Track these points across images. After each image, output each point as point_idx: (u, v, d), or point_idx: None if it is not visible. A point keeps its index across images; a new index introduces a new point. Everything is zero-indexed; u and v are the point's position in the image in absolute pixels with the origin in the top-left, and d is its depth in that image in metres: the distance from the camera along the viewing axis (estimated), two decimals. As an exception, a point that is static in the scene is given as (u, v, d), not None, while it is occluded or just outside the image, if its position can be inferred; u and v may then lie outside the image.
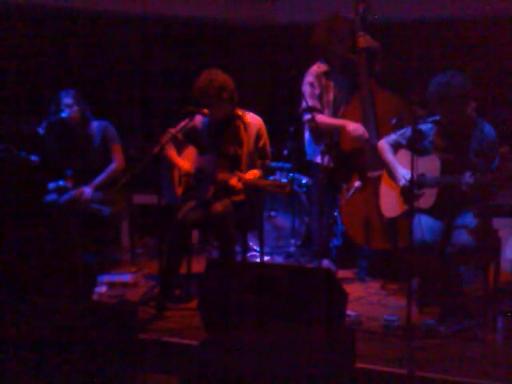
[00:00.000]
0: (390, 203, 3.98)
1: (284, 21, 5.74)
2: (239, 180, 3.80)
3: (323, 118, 4.46)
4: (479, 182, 3.42)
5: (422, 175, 3.67)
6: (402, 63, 5.11)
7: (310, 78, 4.51)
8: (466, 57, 5.12)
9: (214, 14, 5.81)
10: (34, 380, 2.76)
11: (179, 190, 4.13)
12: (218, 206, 3.87)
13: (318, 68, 4.53)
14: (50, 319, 2.91)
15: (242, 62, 5.59)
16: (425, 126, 3.73)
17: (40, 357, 2.79)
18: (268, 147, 4.14)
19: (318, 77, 4.50)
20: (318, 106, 4.47)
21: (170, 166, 4.13)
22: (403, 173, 3.76)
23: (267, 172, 4.16)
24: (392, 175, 3.88)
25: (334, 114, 4.52)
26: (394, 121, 3.80)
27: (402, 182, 3.74)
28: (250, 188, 3.86)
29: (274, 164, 5.18)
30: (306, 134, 4.64)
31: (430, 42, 5.38)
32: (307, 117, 4.45)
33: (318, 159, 4.33)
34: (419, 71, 5.01)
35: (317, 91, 4.49)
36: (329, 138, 4.46)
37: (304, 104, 4.42)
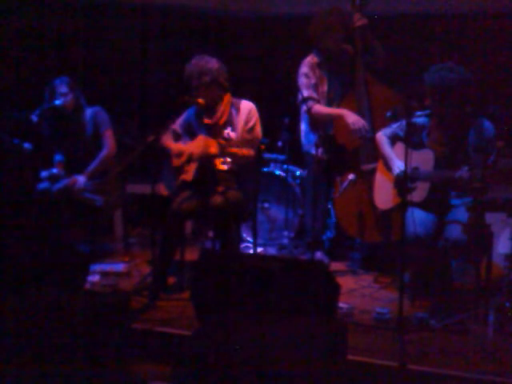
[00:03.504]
0: (384, 195, 3.99)
1: (281, 12, 5.72)
2: (221, 148, 3.79)
3: (321, 108, 4.46)
4: (474, 178, 3.42)
5: (416, 169, 3.68)
6: (398, 56, 5.10)
7: (304, 68, 4.50)
8: (463, 51, 5.12)
9: (211, 4, 5.79)
10: (25, 368, 2.75)
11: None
12: (218, 198, 3.88)
13: (311, 59, 4.53)
14: (42, 308, 2.90)
15: (239, 53, 5.57)
16: (421, 119, 3.73)
17: (31, 346, 2.79)
18: (258, 127, 4.06)
19: (312, 67, 4.50)
20: (314, 95, 4.47)
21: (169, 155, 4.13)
22: (398, 164, 3.77)
23: (258, 150, 4.10)
24: (388, 167, 3.89)
25: (329, 106, 4.52)
26: (388, 114, 3.80)
27: (396, 171, 3.75)
28: (228, 154, 3.80)
29: (268, 155, 5.18)
30: (302, 126, 4.63)
31: (427, 35, 5.37)
32: (305, 107, 4.45)
33: (313, 150, 4.34)
34: (415, 64, 5.01)
35: (312, 81, 4.49)
36: (323, 129, 4.47)
37: (300, 96, 4.41)
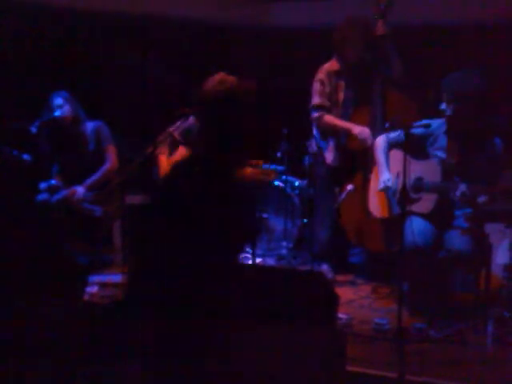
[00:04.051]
0: (375, 203, 4.02)
1: (281, 24, 5.75)
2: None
3: (330, 119, 4.46)
4: (474, 195, 3.42)
5: (419, 179, 3.67)
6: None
7: (320, 75, 4.49)
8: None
9: (211, 15, 5.83)
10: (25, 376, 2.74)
11: None
12: None
13: (329, 66, 4.50)
14: (39, 320, 2.90)
15: (238, 64, 5.59)
16: (435, 122, 3.69)
17: (30, 358, 2.78)
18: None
19: (328, 75, 4.48)
20: (326, 104, 4.46)
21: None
22: (385, 178, 3.76)
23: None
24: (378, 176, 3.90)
25: (344, 115, 4.51)
26: (386, 125, 3.80)
27: (381, 186, 3.75)
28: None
29: (267, 166, 5.19)
30: (314, 131, 4.64)
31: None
32: (315, 115, 4.45)
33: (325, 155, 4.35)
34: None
35: (327, 89, 4.47)
36: (336, 138, 4.48)
37: (313, 101, 4.42)
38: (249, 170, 3.85)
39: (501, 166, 3.64)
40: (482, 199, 3.48)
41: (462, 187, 3.46)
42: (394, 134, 3.90)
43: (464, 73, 3.59)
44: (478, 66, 4.29)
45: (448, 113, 3.59)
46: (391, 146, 3.90)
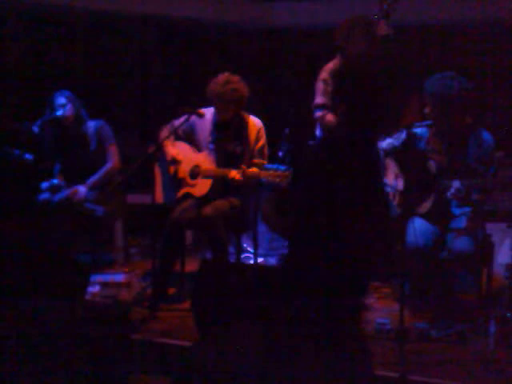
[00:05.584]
0: None
1: (282, 24, 5.75)
2: (240, 172, 3.82)
3: (332, 118, 4.45)
4: (471, 189, 3.43)
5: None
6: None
7: (324, 74, 4.47)
8: (462, 61, 5.13)
9: (211, 16, 5.83)
10: (26, 380, 2.75)
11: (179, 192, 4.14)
12: (208, 209, 3.89)
13: (333, 65, 4.49)
14: (42, 319, 2.90)
15: (239, 64, 5.60)
16: (419, 129, 3.74)
17: (31, 357, 2.78)
18: (266, 149, 4.16)
19: (332, 74, 4.46)
20: (328, 103, 4.45)
21: (169, 164, 4.14)
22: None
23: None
24: None
25: None
26: None
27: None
28: (250, 181, 3.85)
29: (268, 166, 5.17)
30: (317, 131, 4.64)
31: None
32: (318, 114, 4.45)
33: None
34: (414, 75, 5.02)
35: (330, 88, 4.45)
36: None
37: (316, 100, 4.42)
38: (263, 173, 3.85)
39: (493, 160, 3.64)
40: (476, 196, 3.49)
41: (456, 184, 3.47)
42: (389, 139, 3.90)
43: (446, 74, 3.59)
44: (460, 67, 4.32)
45: (432, 115, 3.60)
46: (385, 152, 3.90)
